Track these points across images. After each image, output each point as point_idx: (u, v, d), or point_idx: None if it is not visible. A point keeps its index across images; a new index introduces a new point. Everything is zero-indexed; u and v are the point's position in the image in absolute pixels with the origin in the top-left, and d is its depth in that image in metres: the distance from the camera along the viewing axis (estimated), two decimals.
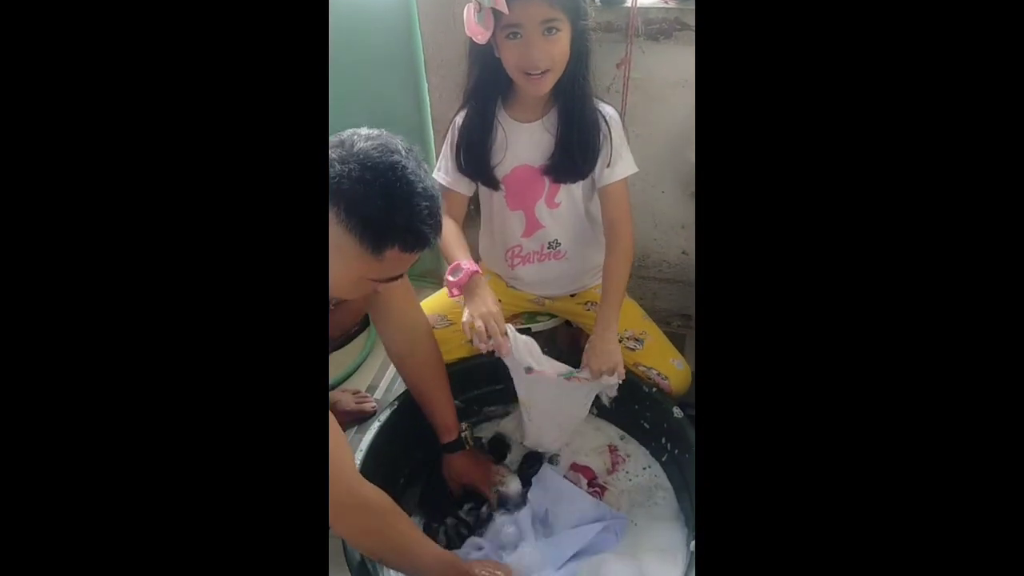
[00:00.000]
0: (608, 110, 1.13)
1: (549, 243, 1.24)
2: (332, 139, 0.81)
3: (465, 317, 1.05)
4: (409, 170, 0.80)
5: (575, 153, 1.11)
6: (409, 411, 1.17)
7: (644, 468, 1.24)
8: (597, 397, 1.17)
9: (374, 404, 1.47)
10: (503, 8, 0.95)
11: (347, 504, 0.86)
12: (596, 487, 1.19)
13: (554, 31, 0.99)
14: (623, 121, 1.19)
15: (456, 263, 1.10)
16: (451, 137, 1.17)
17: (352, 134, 0.82)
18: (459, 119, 1.16)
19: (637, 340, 1.24)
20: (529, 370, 1.10)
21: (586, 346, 1.12)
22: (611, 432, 1.30)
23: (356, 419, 1.41)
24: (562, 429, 1.23)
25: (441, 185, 1.18)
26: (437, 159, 1.55)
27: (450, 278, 1.09)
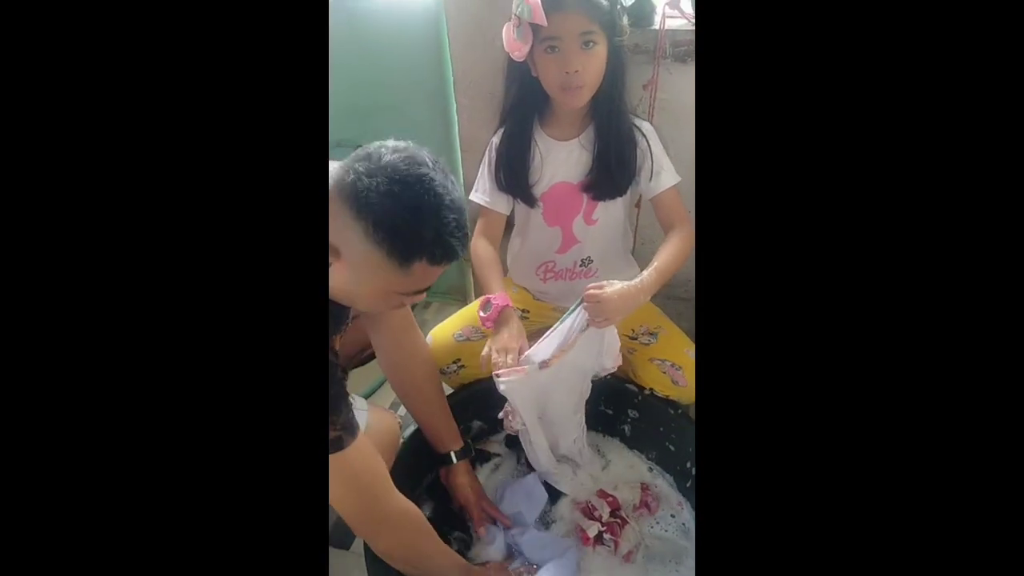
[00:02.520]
0: (645, 125, 1.15)
1: (582, 260, 1.25)
2: (358, 152, 0.82)
3: (484, 351, 1.07)
4: (437, 182, 0.80)
5: (613, 169, 1.13)
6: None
7: (672, 516, 1.20)
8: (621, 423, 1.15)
9: (398, 419, 1.47)
10: (542, 21, 0.97)
11: (380, 518, 0.88)
12: (618, 518, 1.17)
13: (591, 44, 1.01)
14: None
15: (486, 298, 1.11)
16: (489, 157, 1.19)
17: (379, 147, 0.82)
18: (496, 139, 1.18)
19: (651, 335, 1.23)
20: (544, 364, 1.05)
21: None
22: (642, 468, 1.27)
23: None
24: (565, 428, 1.20)
25: (479, 205, 1.20)
26: (463, 179, 1.59)
27: (482, 313, 1.10)
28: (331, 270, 0.82)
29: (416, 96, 1.55)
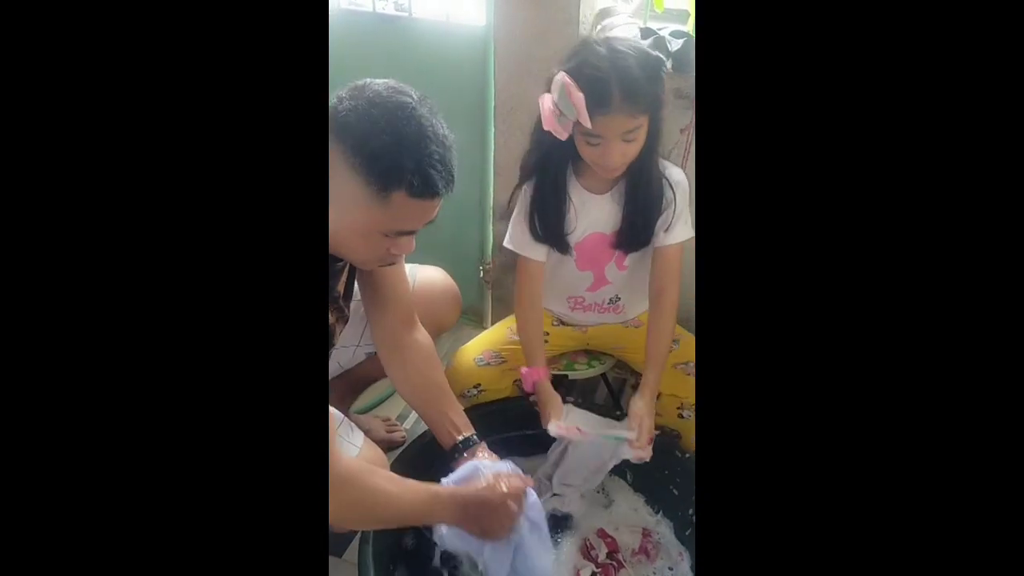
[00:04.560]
0: (676, 175, 1.14)
1: (611, 299, 1.26)
2: (348, 85, 0.81)
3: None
4: (420, 113, 0.78)
5: (640, 228, 1.13)
6: (431, 448, 1.14)
7: (670, 568, 1.17)
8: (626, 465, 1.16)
9: (403, 433, 1.47)
10: (585, 122, 0.94)
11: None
12: (614, 561, 1.15)
13: (633, 139, 1.00)
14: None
15: (523, 372, 1.15)
16: (522, 206, 1.16)
17: (367, 80, 0.81)
18: (528, 189, 1.15)
19: (674, 341, 1.22)
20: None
21: (631, 407, 1.13)
22: (645, 512, 1.25)
23: (385, 447, 1.42)
24: (590, 473, 1.19)
25: (519, 255, 1.18)
26: (493, 201, 1.60)
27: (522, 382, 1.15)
28: None
29: (456, 117, 1.56)
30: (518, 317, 1.21)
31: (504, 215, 1.59)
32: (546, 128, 1.00)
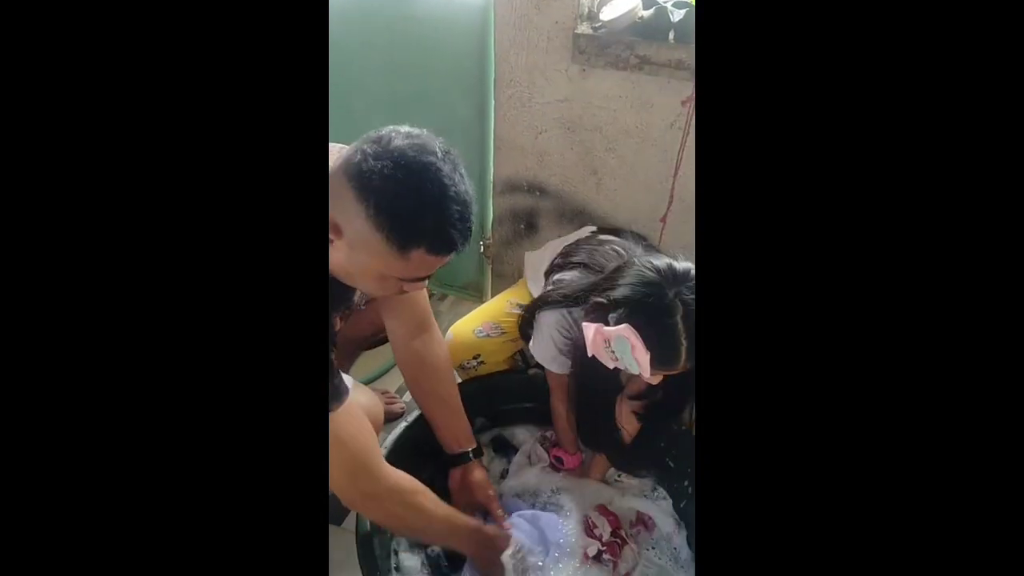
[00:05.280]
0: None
1: None
2: (371, 134, 0.81)
3: None
4: (443, 173, 0.78)
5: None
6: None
7: (666, 541, 1.19)
8: None
9: (403, 406, 1.48)
10: (648, 378, 0.90)
11: (369, 492, 0.89)
12: (618, 538, 1.16)
13: None
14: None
15: (555, 455, 1.23)
16: (550, 347, 1.13)
17: (391, 131, 0.81)
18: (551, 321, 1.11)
19: None
20: None
21: None
22: (642, 483, 1.27)
23: (384, 419, 1.43)
24: None
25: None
26: (493, 176, 1.60)
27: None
28: (333, 247, 0.82)
29: (456, 89, 1.56)
30: (552, 408, 1.24)
31: (504, 190, 1.59)
32: (591, 355, 0.93)
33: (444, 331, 1.28)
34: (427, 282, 0.92)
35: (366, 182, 0.77)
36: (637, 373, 0.90)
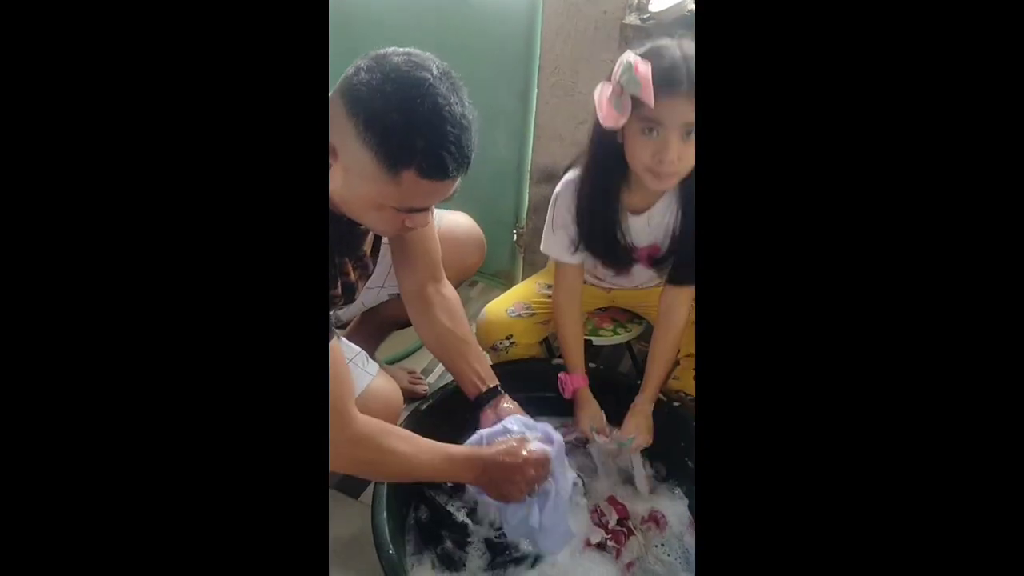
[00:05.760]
0: None
1: (635, 285, 1.27)
2: (373, 51, 0.78)
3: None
4: (438, 91, 0.74)
5: (680, 260, 1.11)
6: (453, 400, 1.17)
7: (678, 540, 1.17)
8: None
9: (426, 388, 1.50)
10: (650, 100, 0.87)
11: (339, 441, 0.82)
12: (624, 527, 1.15)
13: (692, 135, 0.91)
14: None
15: (561, 378, 1.19)
16: (559, 212, 1.12)
17: (393, 49, 0.77)
18: (562, 191, 1.11)
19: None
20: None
21: (630, 413, 1.18)
22: (659, 482, 1.25)
23: (406, 398, 1.44)
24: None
25: (556, 260, 1.17)
26: (531, 164, 1.59)
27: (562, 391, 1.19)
28: (330, 171, 0.79)
29: (500, 75, 1.56)
30: (557, 322, 1.22)
31: (541, 179, 1.59)
32: (599, 116, 0.93)
33: (473, 319, 1.30)
34: (428, 216, 0.87)
35: (355, 95, 0.75)
36: (638, 94, 0.88)
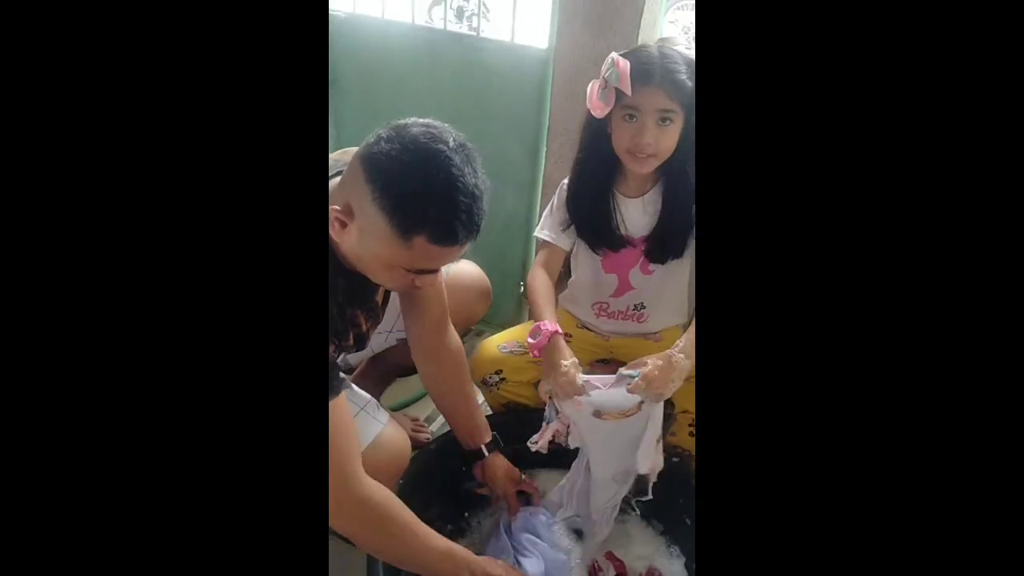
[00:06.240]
0: None
1: (635, 305, 1.29)
2: (396, 121, 0.83)
3: (542, 386, 1.12)
4: (453, 162, 0.78)
5: (667, 240, 1.17)
6: (454, 449, 1.20)
7: None
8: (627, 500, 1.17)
9: (429, 435, 1.50)
10: (627, 89, 1.03)
11: (343, 500, 0.84)
12: None
13: (668, 121, 1.06)
14: None
15: (536, 325, 1.14)
16: (559, 199, 1.25)
17: (413, 120, 0.82)
18: (567, 183, 1.24)
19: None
20: (597, 414, 1.09)
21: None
22: (658, 540, 1.24)
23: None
24: (616, 483, 1.17)
25: (542, 240, 1.26)
26: (539, 219, 1.63)
27: (531, 340, 1.13)
28: (345, 231, 0.83)
29: (511, 134, 1.62)
30: (528, 282, 1.26)
31: None
32: (589, 106, 1.08)
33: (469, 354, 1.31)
34: (437, 277, 0.91)
35: (375, 163, 0.79)
36: (618, 85, 1.03)
